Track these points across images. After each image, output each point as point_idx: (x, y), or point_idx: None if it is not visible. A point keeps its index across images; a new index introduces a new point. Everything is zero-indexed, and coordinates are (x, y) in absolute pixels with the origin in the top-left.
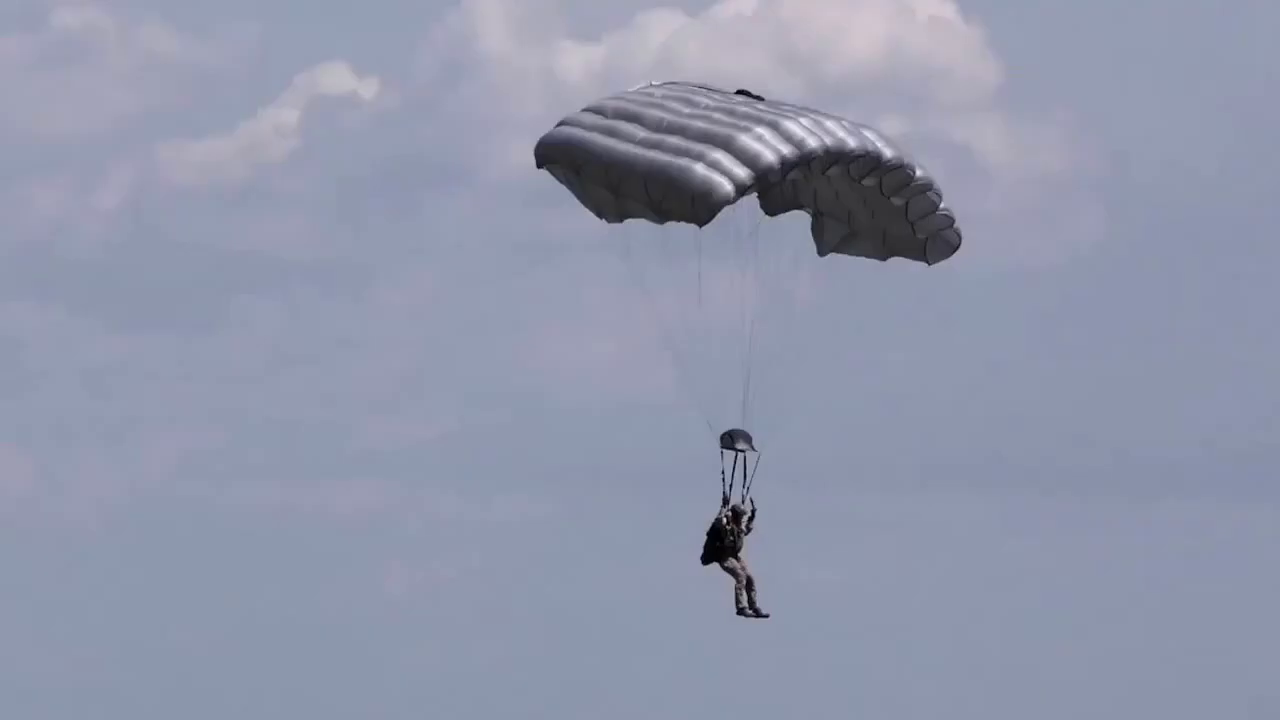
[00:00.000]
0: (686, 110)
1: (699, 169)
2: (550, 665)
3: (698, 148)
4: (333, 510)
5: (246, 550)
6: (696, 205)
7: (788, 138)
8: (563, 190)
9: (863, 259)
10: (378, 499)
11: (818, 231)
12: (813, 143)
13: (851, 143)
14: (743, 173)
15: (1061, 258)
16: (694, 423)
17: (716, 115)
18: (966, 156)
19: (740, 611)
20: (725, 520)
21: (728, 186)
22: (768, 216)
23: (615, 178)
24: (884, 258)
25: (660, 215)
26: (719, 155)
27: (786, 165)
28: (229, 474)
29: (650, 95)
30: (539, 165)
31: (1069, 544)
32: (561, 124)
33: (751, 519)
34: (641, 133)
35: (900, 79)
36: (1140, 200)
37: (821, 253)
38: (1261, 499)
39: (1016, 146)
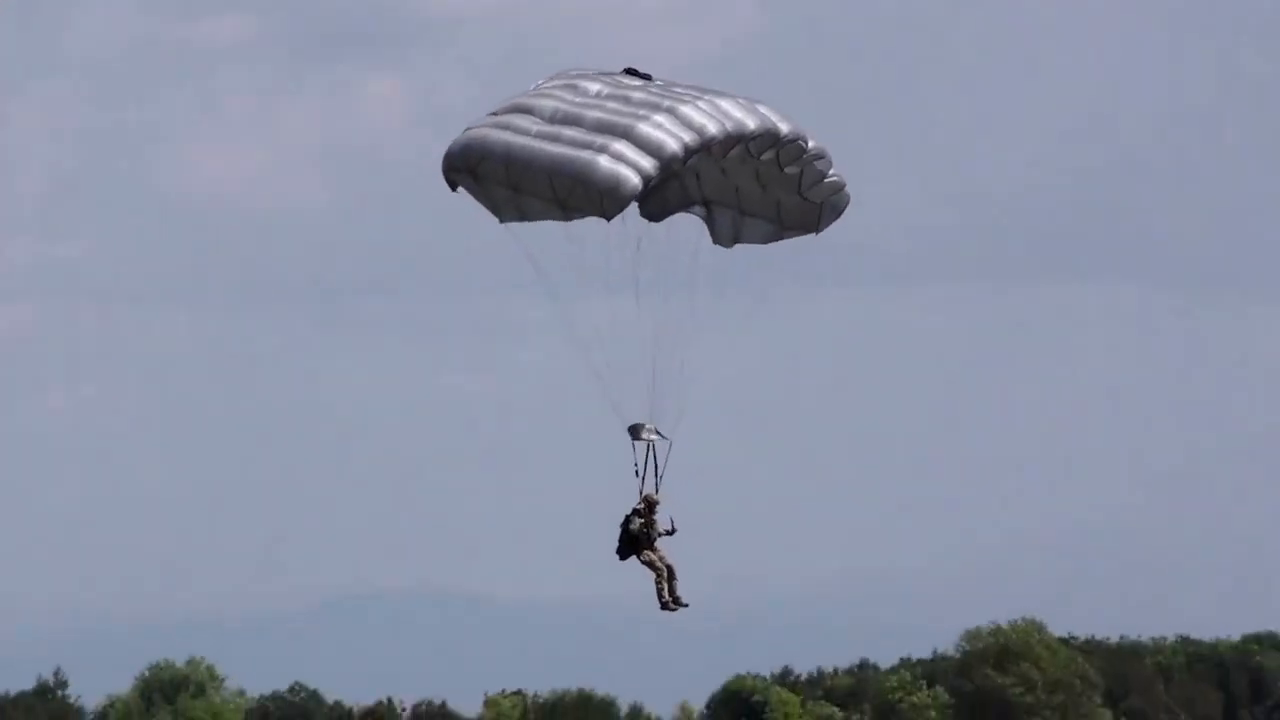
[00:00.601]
0: (577, 99)
1: (603, 161)
2: (213, 477)
3: (598, 139)
4: None
5: None
6: (605, 200)
7: (688, 124)
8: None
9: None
10: (27, 319)
11: (710, 223)
12: (713, 128)
13: (751, 124)
14: (647, 163)
15: (716, 50)
16: (344, 235)
17: (610, 104)
18: None
19: (664, 606)
20: (638, 514)
21: (635, 179)
22: (650, 223)
23: (515, 175)
24: (777, 237)
25: (565, 211)
26: (621, 146)
27: (689, 152)
28: None
29: (538, 88)
30: (452, 188)
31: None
32: (464, 131)
33: (672, 532)
34: (536, 125)
35: None
36: None
37: (720, 243)
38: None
39: None
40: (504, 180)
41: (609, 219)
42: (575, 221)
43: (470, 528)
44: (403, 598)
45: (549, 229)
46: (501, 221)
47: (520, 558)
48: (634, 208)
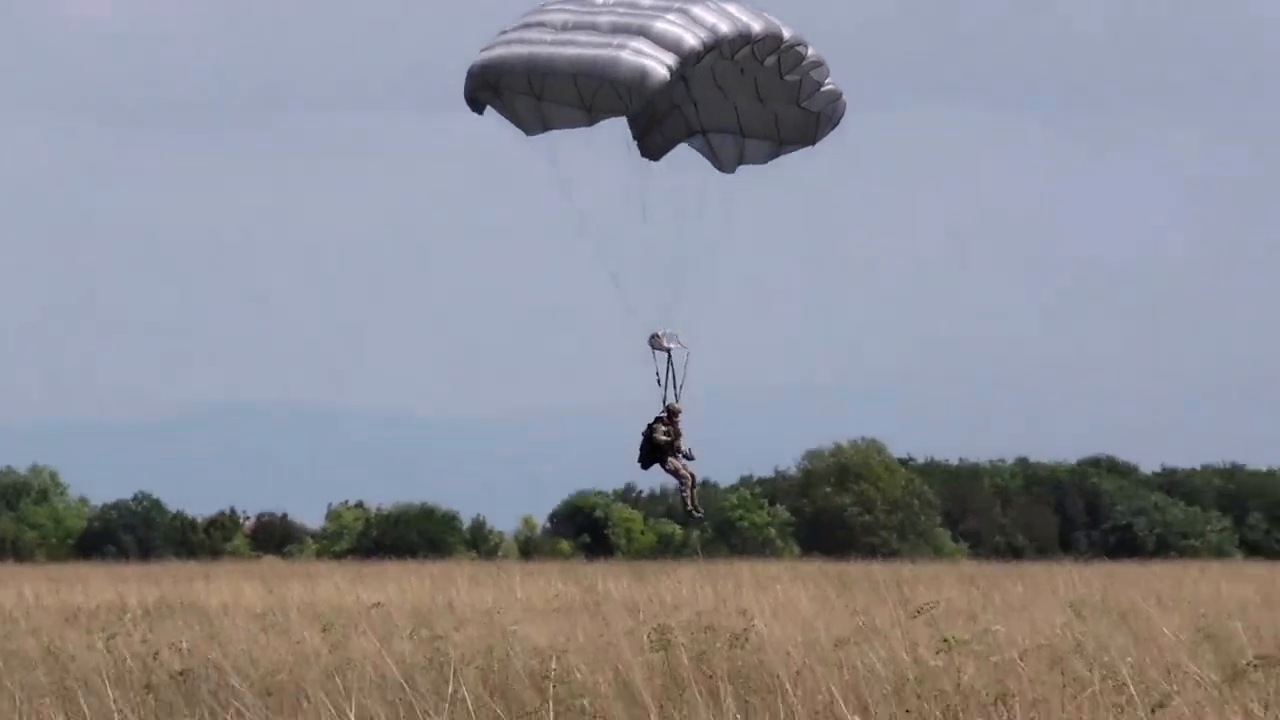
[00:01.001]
0: (585, 9)
1: (626, 55)
2: (65, 285)
3: (616, 39)
4: None
5: None
6: (632, 93)
7: (699, 22)
8: None
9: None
10: None
11: (710, 151)
12: (725, 27)
13: (757, 26)
14: (669, 58)
15: None
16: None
17: (620, 9)
18: None
19: (688, 514)
20: (662, 423)
21: (661, 70)
22: (651, 161)
23: (537, 82)
24: (775, 154)
25: (588, 111)
26: (640, 44)
27: (706, 47)
28: None
29: (544, 6)
30: (477, 110)
31: None
32: (479, 53)
33: (690, 457)
34: (549, 35)
35: None
36: None
37: (725, 169)
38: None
39: None
40: (526, 89)
41: (631, 113)
42: (594, 149)
43: (319, 342)
44: (248, 412)
45: (572, 144)
46: (529, 135)
47: (368, 373)
48: (634, 146)
